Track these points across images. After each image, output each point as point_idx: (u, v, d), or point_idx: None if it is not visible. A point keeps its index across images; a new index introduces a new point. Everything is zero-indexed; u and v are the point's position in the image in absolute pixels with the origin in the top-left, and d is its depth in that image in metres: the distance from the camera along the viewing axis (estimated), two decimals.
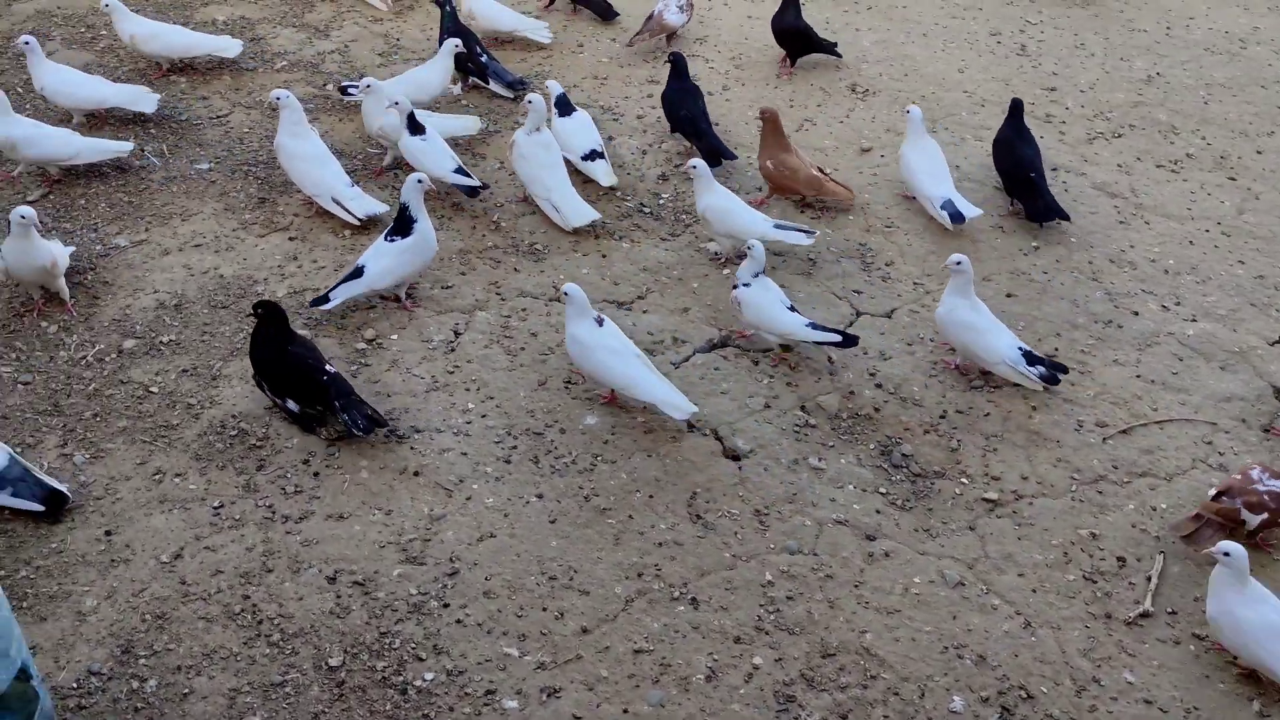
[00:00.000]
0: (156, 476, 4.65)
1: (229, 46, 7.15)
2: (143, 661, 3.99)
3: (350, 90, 6.85)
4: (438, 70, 6.88)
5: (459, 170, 6.15)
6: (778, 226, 5.97)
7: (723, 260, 6.06)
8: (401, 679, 4.00)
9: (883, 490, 4.92)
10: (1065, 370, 5.43)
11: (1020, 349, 5.37)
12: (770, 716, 4.00)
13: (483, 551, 4.48)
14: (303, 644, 4.09)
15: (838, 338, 5.36)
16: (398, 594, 4.29)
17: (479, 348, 5.41)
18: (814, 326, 5.35)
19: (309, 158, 5.97)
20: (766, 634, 4.30)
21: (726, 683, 4.11)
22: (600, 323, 5.02)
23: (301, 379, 4.81)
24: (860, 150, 7.07)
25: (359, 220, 5.94)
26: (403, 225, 5.43)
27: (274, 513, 4.54)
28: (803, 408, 5.29)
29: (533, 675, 4.05)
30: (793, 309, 5.41)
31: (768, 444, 5.09)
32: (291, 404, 4.85)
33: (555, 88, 6.62)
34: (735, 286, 5.45)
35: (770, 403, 5.29)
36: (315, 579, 4.31)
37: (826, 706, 4.05)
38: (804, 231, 6.02)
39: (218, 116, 6.88)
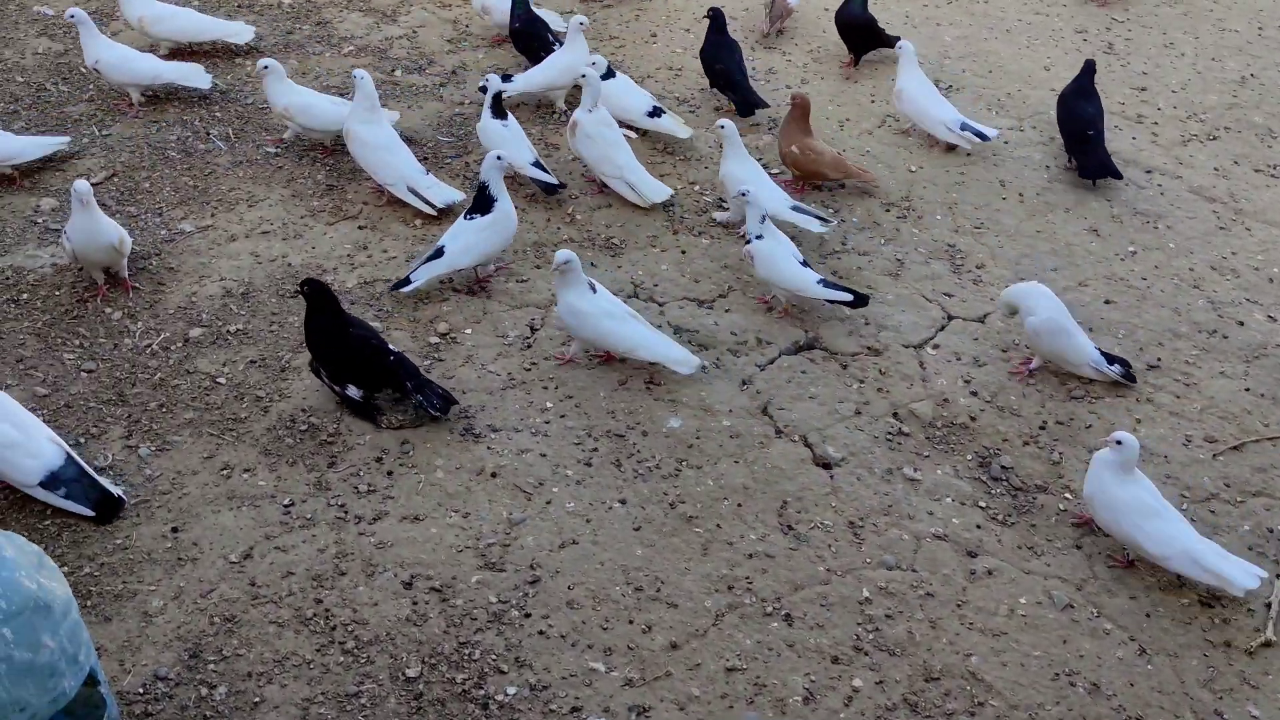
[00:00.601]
0: (224, 471, 4.45)
1: (240, 32, 6.94)
2: (211, 667, 3.79)
3: (509, 78, 6.63)
4: (577, 50, 6.61)
5: (537, 164, 5.93)
6: (794, 209, 5.83)
7: (734, 227, 5.99)
8: (483, 693, 3.78)
9: (982, 504, 4.65)
10: (1131, 366, 5.26)
11: (1097, 350, 5.20)
12: None
13: (565, 559, 4.25)
14: (378, 652, 3.88)
15: (849, 296, 5.29)
16: (477, 602, 4.07)
17: (556, 344, 5.19)
18: (825, 284, 5.31)
19: (381, 145, 5.77)
20: (866, 654, 4.04)
21: (826, 705, 3.85)
22: (593, 289, 4.91)
23: (366, 361, 4.61)
24: (945, 148, 6.78)
25: (437, 210, 5.74)
26: (483, 203, 5.25)
27: (346, 512, 4.34)
28: (895, 414, 5.03)
29: (620, 692, 3.82)
30: (805, 264, 5.33)
31: (859, 452, 4.83)
32: (353, 390, 4.64)
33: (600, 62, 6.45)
34: (747, 240, 5.38)
35: (861, 409, 5.03)
36: (390, 584, 4.10)
37: None
38: (820, 218, 5.86)
39: None
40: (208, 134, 6.29)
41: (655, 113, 6.46)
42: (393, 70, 7.09)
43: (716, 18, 6.87)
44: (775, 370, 5.19)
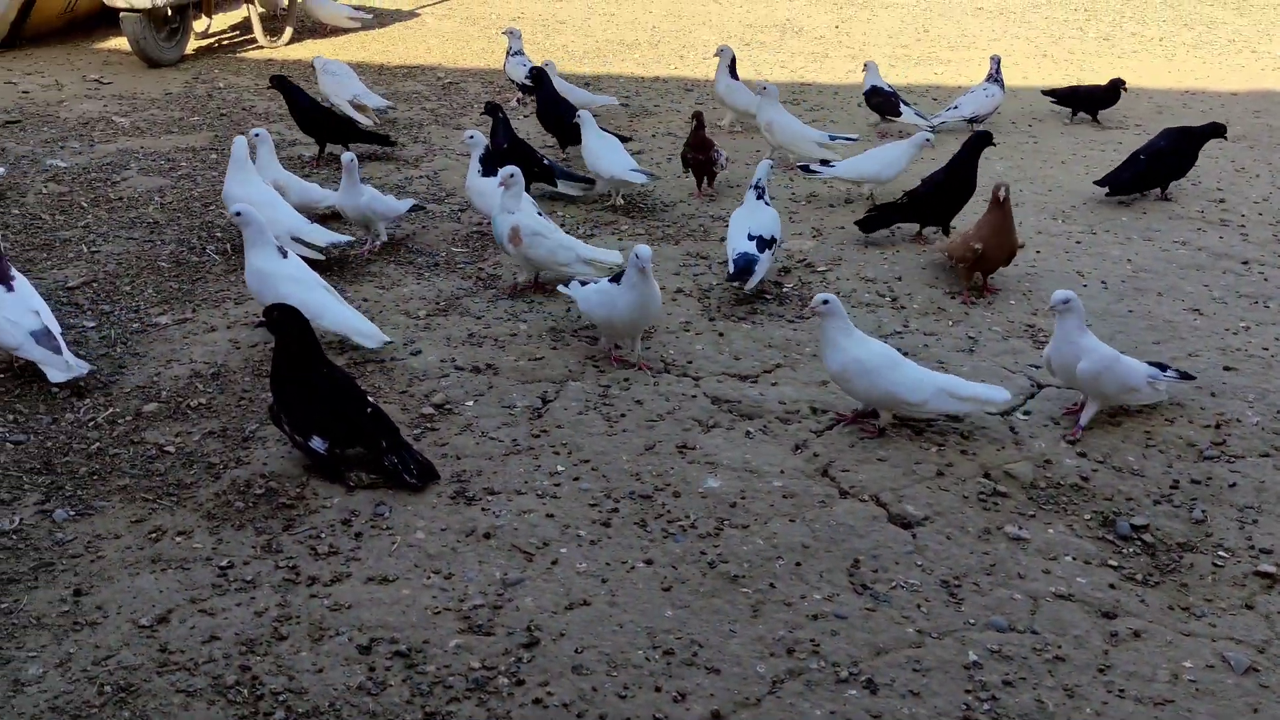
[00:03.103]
0: (153, 535, 3.59)
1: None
2: None
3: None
4: (906, 150, 6.65)
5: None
6: (831, 137, 7.13)
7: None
8: None
9: (1113, 563, 3.62)
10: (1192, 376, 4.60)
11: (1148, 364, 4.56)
12: None
13: (572, 620, 3.27)
14: None
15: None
16: (454, 668, 3.08)
17: (571, 414, 4.38)
18: (752, 239, 5.41)
19: (264, 203, 5.31)
20: None
21: None
22: (284, 254, 4.74)
23: (338, 408, 3.83)
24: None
25: (321, 250, 5.51)
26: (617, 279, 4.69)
27: (298, 574, 3.42)
28: (987, 475, 4.08)
29: None
30: (755, 239, 5.39)
31: (946, 511, 3.86)
32: (318, 441, 3.83)
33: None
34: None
35: (944, 470, 4.10)
36: (342, 648, 3.13)
37: None
38: (849, 139, 7.22)
39: None
40: (204, 249, 5.80)
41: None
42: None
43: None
44: (835, 436, 4.30)
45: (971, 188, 6.14)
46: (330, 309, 4.65)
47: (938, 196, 6.13)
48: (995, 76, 8.19)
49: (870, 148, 6.92)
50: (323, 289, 4.72)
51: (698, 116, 6.64)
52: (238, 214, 4.74)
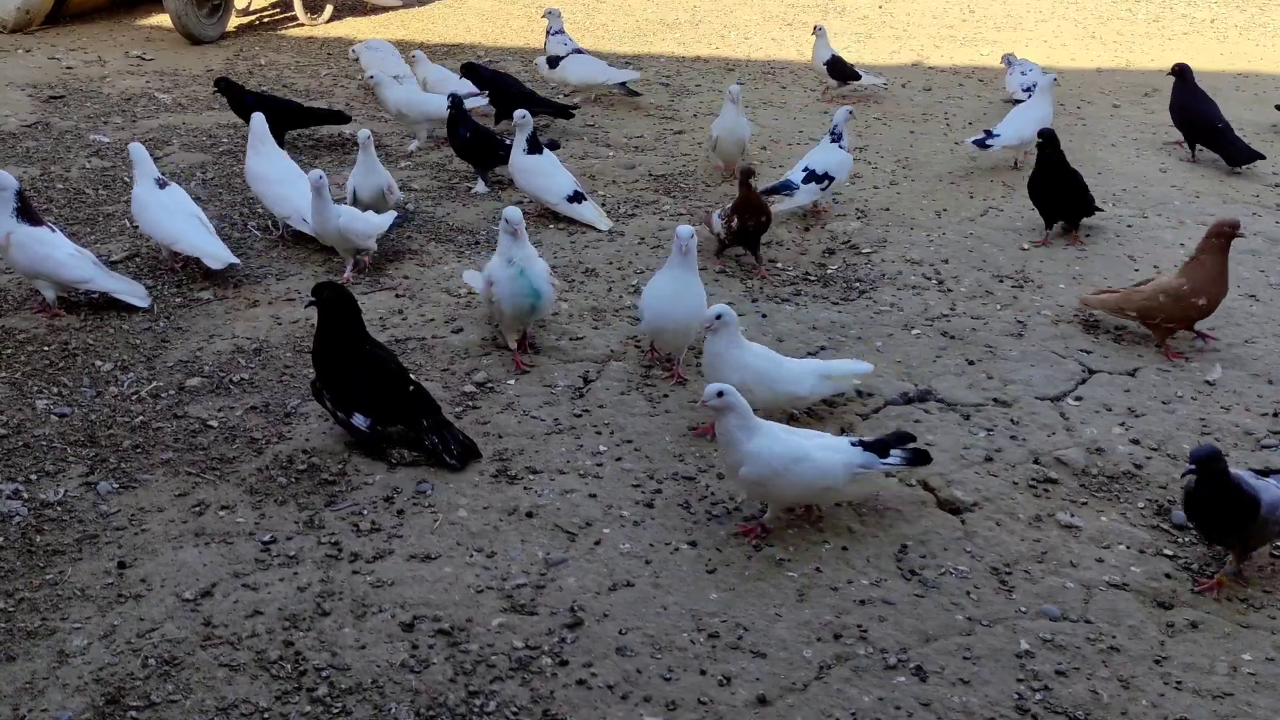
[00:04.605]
0: (196, 509, 3.59)
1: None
2: (132, 714, 2.79)
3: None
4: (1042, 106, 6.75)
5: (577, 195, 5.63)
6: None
7: None
8: None
9: (1168, 553, 3.53)
10: None
11: None
12: None
13: (616, 602, 3.23)
14: (358, 702, 2.86)
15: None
16: (497, 647, 3.05)
17: (614, 394, 4.33)
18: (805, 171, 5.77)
19: (276, 179, 5.59)
20: (1034, 716, 2.88)
21: None
22: (162, 185, 5.13)
23: (381, 384, 3.80)
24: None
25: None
26: None
27: (340, 550, 3.41)
28: (1037, 461, 4.00)
29: None
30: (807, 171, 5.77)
31: (995, 497, 3.78)
32: (360, 419, 3.80)
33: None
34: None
35: (993, 455, 4.02)
36: (385, 625, 3.11)
37: None
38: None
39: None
40: (245, 224, 5.79)
41: (576, 198, 5.90)
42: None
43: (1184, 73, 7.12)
44: (881, 419, 4.23)
45: (1066, 180, 5.89)
46: (185, 236, 5.06)
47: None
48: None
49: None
50: (188, 216, 5.13)
51: (745, 174, 5.30)
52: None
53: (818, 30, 8.32)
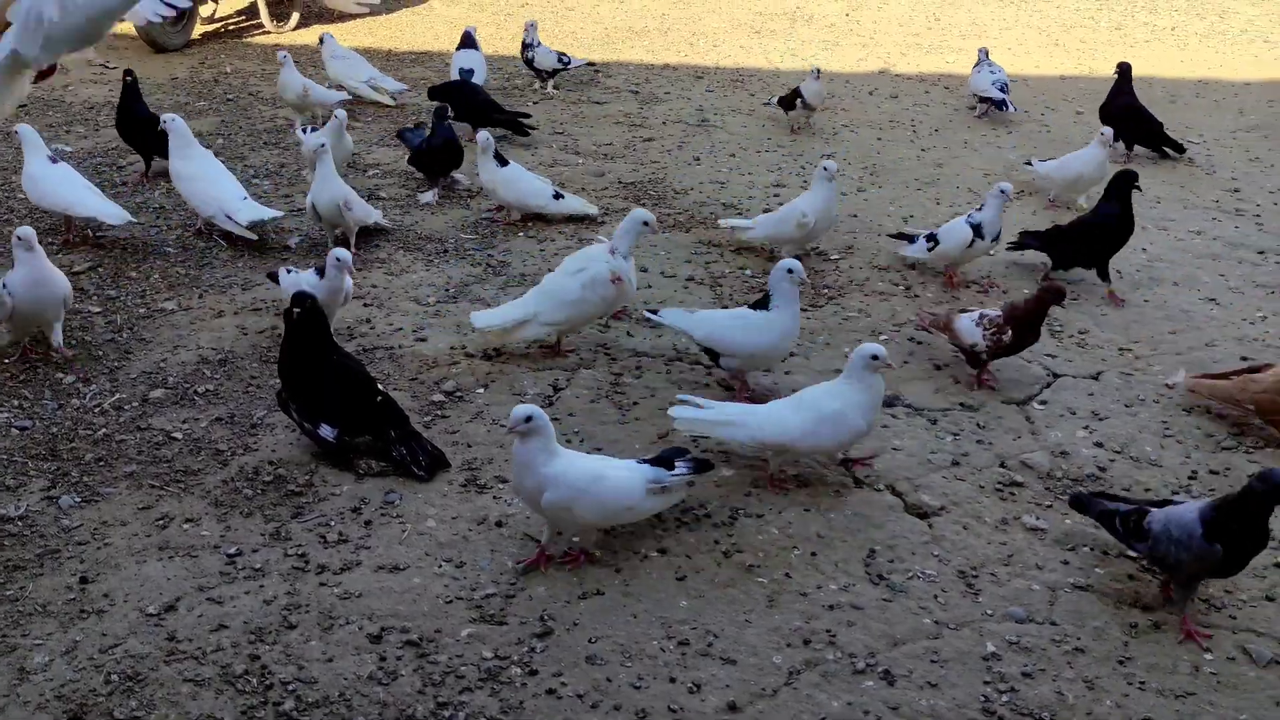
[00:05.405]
0: (160, 522, 3.55)
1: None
2: None
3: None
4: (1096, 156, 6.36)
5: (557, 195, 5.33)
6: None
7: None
8: None
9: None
10: None
11: None
12: None
13: (586, 610, 3.23)
14: (325, 715, 2.83)
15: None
16: (466, 658, 3.04)
17: (584, 402, 4.33)
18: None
19: (199, 177, 5.61)
20: (1000, 718, 2.91)
21: None
22: (54, 161, 5.44)
23: (348, 394, 3.78)
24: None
25: (245, 229, 5.47)
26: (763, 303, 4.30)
27: (307, 562, 3.38)
28: (1003, 465, 4.03)
29: None
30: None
31: (963, 501, 3.81)
32: (327, 429, 3.78)
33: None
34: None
35: (959, 459, 4.05)
36: (353, 637, 3.09)
37: None
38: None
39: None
40: (210, 234, 5.74)
41: (558, 195, 6.06)
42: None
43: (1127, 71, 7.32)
44: None
45: (1131, 227, 5.42)
46: (82, 200, 5.35)
47: (1096, 234, 5.41)
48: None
49: None
50: (82, 185, 5.43)
51: (1056, 295, 4.39)
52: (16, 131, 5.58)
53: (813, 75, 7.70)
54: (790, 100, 7.76)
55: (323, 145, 5.51)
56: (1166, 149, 7.46)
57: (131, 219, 5.43)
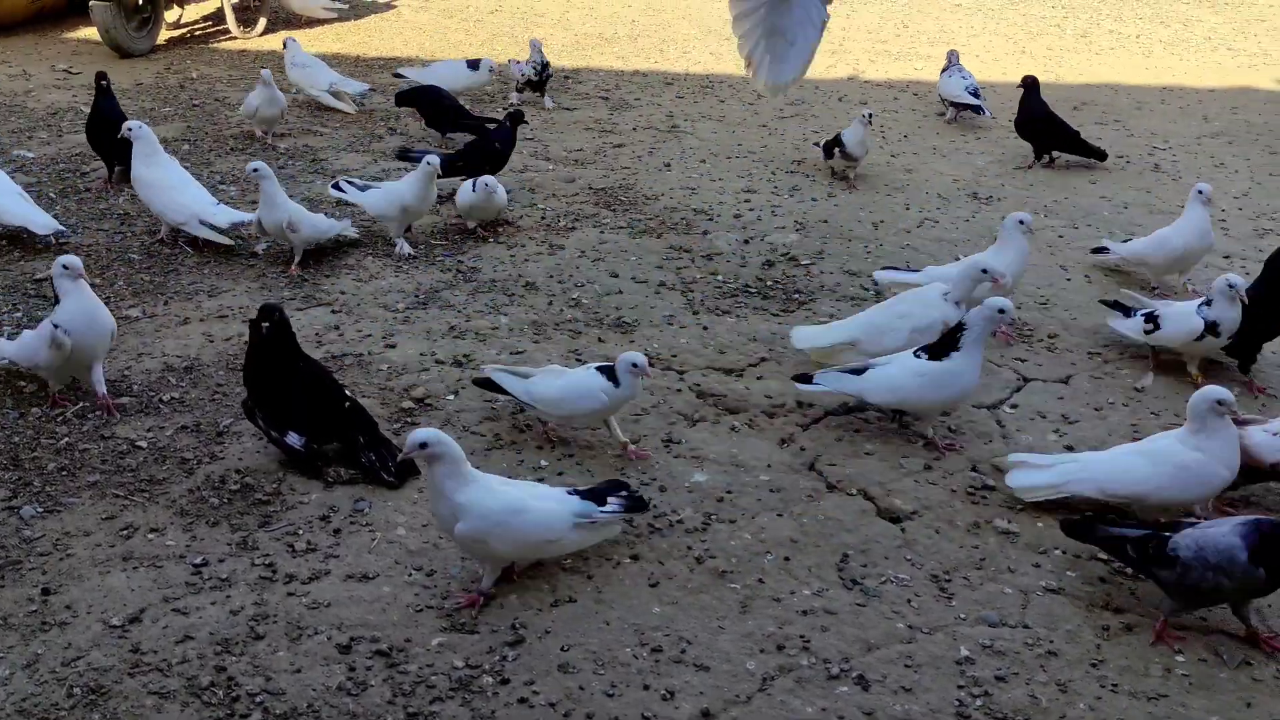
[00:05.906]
0: (124, 532, 3.50)
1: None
2: None
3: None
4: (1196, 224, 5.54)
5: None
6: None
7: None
8: None
9: (1102, 557, 3.57)
10: None
11: None
12: None
13: (558, 618, 3.20)
14: None
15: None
16: (436, 667, 3.00)
17: None
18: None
19: (166, 185, 5.52)
20: None
21: None
22: None
23: (316, 401, 3.74)
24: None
25: (225, 231, 5.49)
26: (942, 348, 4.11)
27: (274, 571, 3.34)
28: (975, 468, 4.04)
29: None
30: None
31: (935, 505, 3.81)
32: (294, 437, 3.74)
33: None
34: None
35: (931, 464, 4.05)
36: (321, 647, 3.05)
37: None
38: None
39: None
40: (175, 241, 5.67)
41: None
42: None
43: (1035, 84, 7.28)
44: (821, 429, 4.25)
45: None
46: (9, 208, 5.32)
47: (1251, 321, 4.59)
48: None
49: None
50: (9, 192, 5.41)
51: None
52: None
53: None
54: (830, 148, 6.98)
55: (255, 169, 5.27)
56: (1089, 155, 7.43)
57: (61, 229, 5.44)
